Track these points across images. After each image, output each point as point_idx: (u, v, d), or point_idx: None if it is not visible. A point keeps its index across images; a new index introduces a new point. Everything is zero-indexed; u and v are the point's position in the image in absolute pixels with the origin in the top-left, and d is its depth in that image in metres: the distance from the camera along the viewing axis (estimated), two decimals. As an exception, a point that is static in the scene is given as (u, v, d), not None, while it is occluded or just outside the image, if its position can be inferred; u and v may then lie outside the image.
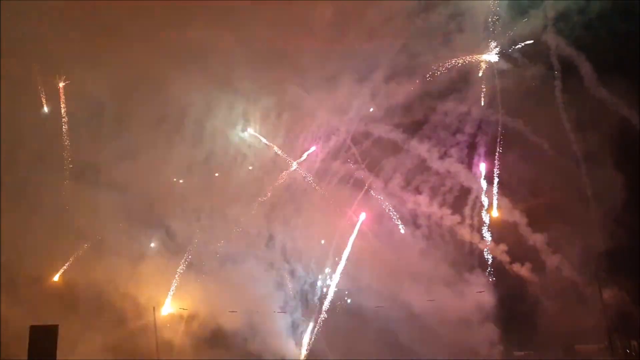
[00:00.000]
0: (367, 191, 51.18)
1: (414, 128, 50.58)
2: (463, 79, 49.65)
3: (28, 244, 45.79)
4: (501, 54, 48.63)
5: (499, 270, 50.15)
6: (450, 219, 50.49)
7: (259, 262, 50.24)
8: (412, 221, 51.01)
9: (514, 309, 48.89)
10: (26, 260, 45.84)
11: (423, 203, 50.60)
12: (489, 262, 50.31)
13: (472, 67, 49.39)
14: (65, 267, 48.20)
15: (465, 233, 50.52)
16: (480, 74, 49.33)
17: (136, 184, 48.08)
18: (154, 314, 48.25)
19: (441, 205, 50.59)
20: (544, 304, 48.65)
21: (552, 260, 49.01)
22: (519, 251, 49.96)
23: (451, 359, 47.46)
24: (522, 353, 49.24)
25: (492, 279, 49.97)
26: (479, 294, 49.28)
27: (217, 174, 50.69)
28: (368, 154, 51.42)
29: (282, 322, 49.89)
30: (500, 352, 48.71)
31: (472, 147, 50.50)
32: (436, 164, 50.50)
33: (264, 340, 48.54)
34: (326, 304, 50.11)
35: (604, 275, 47.82)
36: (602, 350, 47.48)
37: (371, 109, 50.57)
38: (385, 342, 48.50)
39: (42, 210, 47.12)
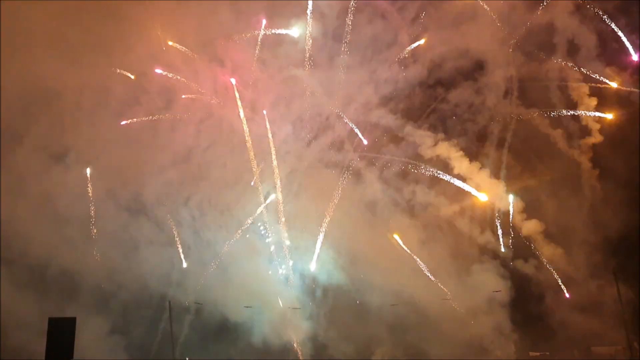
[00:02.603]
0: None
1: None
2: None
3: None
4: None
5: (513, 269, 48.97)
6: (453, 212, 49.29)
7: (259, 255, 49.13)
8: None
9: (529, 309, 47.77)
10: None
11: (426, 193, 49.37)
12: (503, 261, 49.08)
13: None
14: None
15: (475, 229, 49.38)
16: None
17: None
18: (169, 309, 46.04)
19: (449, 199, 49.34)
20: (560, 304, 47.48)
21: (567, 258, 47.79)
22: (534, 249, 48.70)
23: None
24: (538, 354, 47.74)
25: (507, 278, 48.41)
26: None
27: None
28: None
29: (285, 316, 48.60)
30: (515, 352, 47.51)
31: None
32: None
33: (268, 334, 47.51)
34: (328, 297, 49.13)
35: (621, 274, 46.25)
36: (620, 352, 46.02)
37: None
38: (395, 338, 47.91)
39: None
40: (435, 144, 48.66)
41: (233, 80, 48.86)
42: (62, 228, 45.19)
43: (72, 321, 22.53)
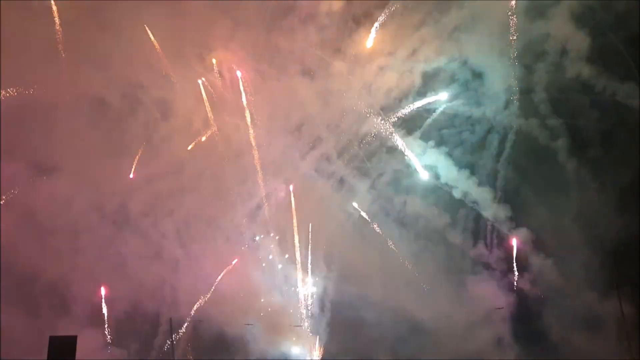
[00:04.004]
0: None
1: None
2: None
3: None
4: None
5: (510, 283, 48.64)
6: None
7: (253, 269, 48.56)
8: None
9: (530, 324, 47.32)
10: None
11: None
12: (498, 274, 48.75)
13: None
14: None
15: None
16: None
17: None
18: (170, 325, 45.68)
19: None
20: (560, 318, 46.75)
21: (565, 271, 47.15)
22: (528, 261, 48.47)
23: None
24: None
25: (504, 292, 48.29)
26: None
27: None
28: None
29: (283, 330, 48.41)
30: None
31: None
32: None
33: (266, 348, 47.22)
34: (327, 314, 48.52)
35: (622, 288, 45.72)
36: (623, 368, 45.44)
37: None
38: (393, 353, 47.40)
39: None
40: (424, 153, 48.55)
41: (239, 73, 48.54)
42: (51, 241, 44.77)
43: (72, 340, 22.46)
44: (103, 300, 45.79)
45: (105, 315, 46.02)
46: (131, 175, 47.24)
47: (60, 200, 45.41)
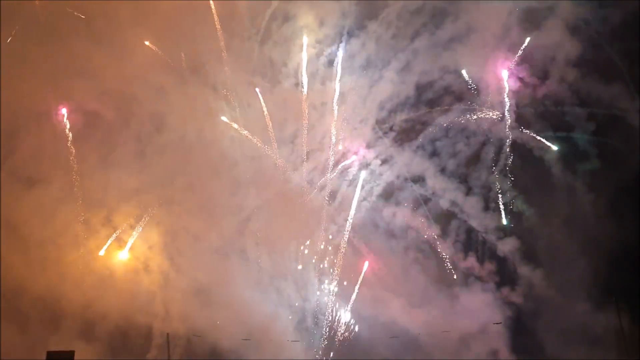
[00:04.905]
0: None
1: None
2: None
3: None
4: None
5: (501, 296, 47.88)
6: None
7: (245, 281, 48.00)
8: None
9: (525, 337, 46.72)
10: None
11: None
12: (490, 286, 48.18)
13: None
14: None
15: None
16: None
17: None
18: (167, 340, 45.58)
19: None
20: (554, 332, 46.31)
21: (559, 283, 46.77)
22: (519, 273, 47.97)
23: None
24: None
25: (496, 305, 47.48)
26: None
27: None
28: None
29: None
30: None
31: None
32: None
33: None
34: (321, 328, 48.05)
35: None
36: (622, 384, 44.64)
37: None
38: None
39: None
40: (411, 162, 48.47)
41: None
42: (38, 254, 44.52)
43: (70, 355, 22.46)
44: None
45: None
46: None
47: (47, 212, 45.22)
